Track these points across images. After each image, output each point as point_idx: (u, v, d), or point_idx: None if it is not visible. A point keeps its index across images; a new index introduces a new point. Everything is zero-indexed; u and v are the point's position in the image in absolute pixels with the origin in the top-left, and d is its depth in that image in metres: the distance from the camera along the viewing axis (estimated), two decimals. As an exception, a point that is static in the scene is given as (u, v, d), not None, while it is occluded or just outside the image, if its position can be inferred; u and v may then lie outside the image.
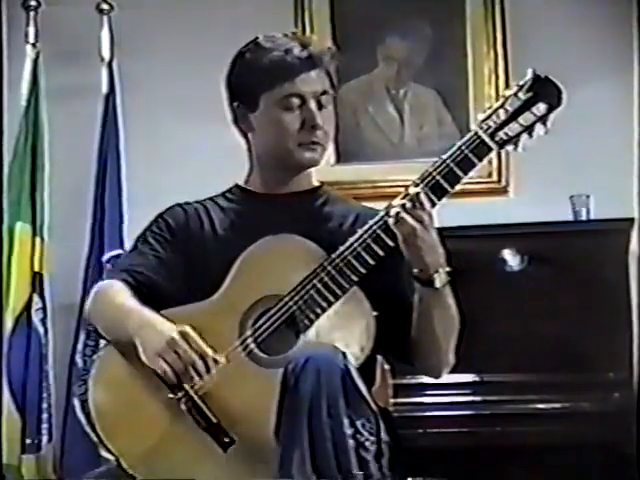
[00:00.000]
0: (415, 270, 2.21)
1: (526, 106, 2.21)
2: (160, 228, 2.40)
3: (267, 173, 2.41)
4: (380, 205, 2.28)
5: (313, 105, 2.31)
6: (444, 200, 2.21)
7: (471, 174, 2.23)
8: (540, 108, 2.21)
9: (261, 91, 2.33)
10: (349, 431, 2.00)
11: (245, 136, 2.42)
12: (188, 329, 2.14)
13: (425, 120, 4.04)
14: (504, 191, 3.96)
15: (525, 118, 2.21)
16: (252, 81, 2.34)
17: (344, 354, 2.06)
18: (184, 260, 2.35)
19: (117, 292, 2.29)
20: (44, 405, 3.87)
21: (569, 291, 3.48)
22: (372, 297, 2.23)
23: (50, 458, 3.87)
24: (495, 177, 3.94)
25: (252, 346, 2.20)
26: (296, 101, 2.31)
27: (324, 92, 2.34)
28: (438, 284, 2.20)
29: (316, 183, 2.44)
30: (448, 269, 2.22)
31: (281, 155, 2.35)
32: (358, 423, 2.02)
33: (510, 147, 2.23)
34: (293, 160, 2.35)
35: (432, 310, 2.23)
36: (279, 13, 4.01)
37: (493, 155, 3.99)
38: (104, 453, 2.23)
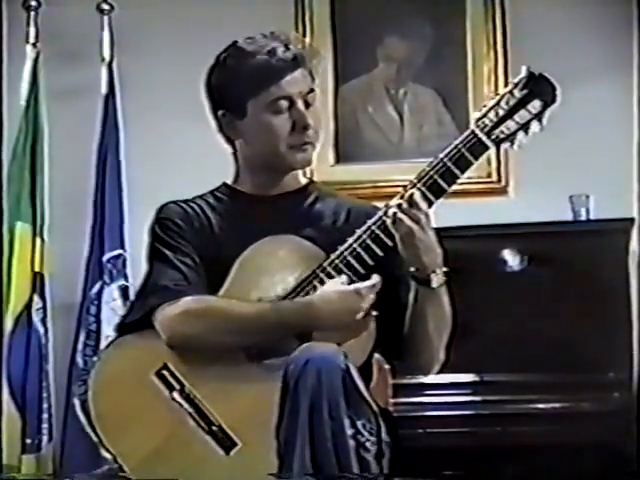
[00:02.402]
0: (412, 269, 2.21)
1: (521, 104, 2.22)
2: (176, 230, 2.35)
3: (257, 176, 2.39)
4: (380, 205, 2.28)
5: (301, 105, 2.29)
6: (444, 200, 2.21)
7: (470, 174, 2.23)
8: (535, 105, 2.21)
9: (248, 97, 2.30)
10: (350, 432, 2.00)
11: (231, 142, 2.39)
12: (358, 286, 2.15)
13: (425, 120, 4.04)
14: (504, 191, 3.96)
15: (521, 116, 2.21)
16: (237, 88, 2.30)
17: (345, 354, 2.05)
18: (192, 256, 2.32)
19: (222, 303, 2.23)
20: (44, 405, 3.87)
21: (569, 291, 3.48)
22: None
23: (50, 458, 3.87)
24: (495, 177, 3.94)
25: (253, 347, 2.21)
26: (284, 103, 2.28)
27: (310, 90, 2.32)
28: (435, 284, 2.21)
29: (304, 181, 2.43)
30: (445, 269, 2.22)
31: (273, 159, 2.33)
32: (359, 424, 2.02)
33: (506, 145, 2.23)
34: (285, 163, 2.34)
35: (427, 308, 2.24)
36: (279, 13, 4.01)
37: (493, 155, 4.04)
38: (105, 453, 2.23)
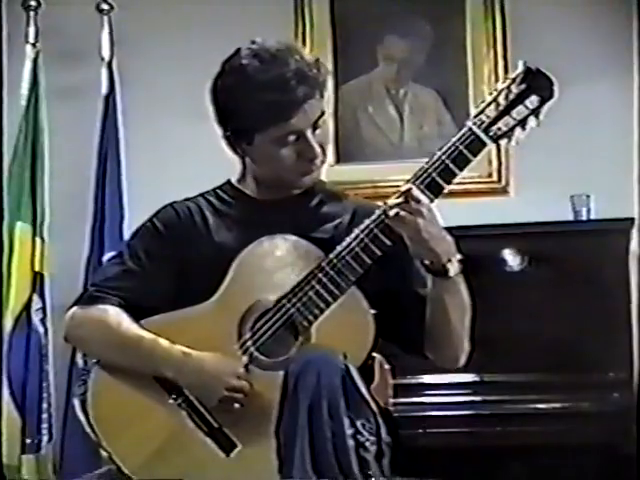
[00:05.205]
0: (426, 262, 2.20)
1: (519, 99, 2.20)
2: (150, 235, 2.37)
3: (263, 186, 2.38)
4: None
5: (310, 135, 2.26)
6: (445, 200, 2.21)
7: (471, 173, 2.23)
8: (533, 101, 2.20)
9: (255, 130, 2.26)
10: (349, 431, 2.00)
11: (236, 152, 2.37)
12: (243, 370, 2.17)
13: (425, 120, 4.04)
14: (504, 191, 3.96)
15: (518, 111, 2.20)
16: (245, 119, 2.26)
17: (344, 355, 2.05)
18: (176, 265, 2.32)
19: (119, 320, 2.26)
20: (44, 405, 3.87)
21: (569, 291, 3.48)
22: (379, 295, 2.23)
23: (50, 458, 3.88)
24: (495, 177, 3.93)
25: (251, 349, 2.20)
26: (292, 137, 2.25)
27: (320, 115, 2.28)
28: (452, 273, 2.19)
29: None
30: (459, 256, 2.21)
31: (280, 182, 2.33)
32: (358, 423, 2.02)
33: (504, 141, 2.22)
34: (292, 185, 2.34)
35: (446, 299, 2.23)
36: (279, 13, 4.01)
37: (493, 155, 4.02)
38: (104, 453, 2.22)
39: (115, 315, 2.27)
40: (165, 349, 2.20)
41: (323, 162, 2.33)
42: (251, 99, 2.23)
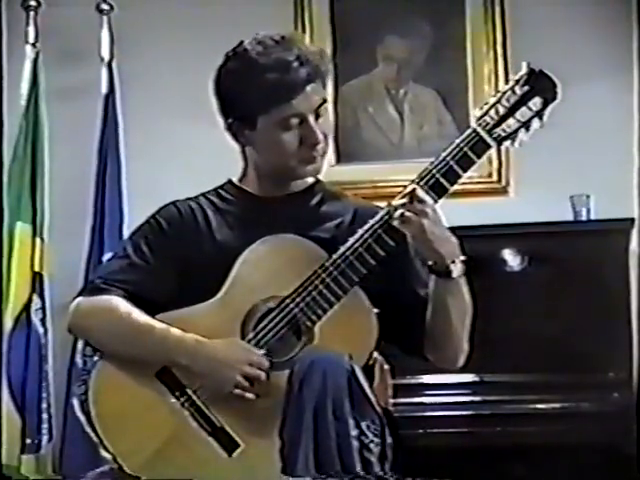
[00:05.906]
0: (430, 262, 2.20)
1: (522, 101, 2.21)
2: (153, 232, 2.36)
3: (265, 180, 2.38)
4: (382, 206, 2.28)
5: (312, 121, 2.27)
6: (445, 200, 2.21)
7: (471, 173, 2.23)
8: (536, 102, 2.21)
9: (258, 113, 2.27)
10: (354, 432, 2.00)
11: (238, 141, 2.38)
12: (257, 358, 2.16)
13: (425, 120, 4.04)
14: (504, 191, 3.96)
15: (522, 113, 2.21)
16: (248, 103, 2.27)
17: (350, 355, 2.06)
18: (179, 263, 2.32)
19: (128, 309, 2.24)
20: (44, 405, 3.86)
21: (569, 291, 3.48)
22: (381, 295, 2.23)
23: (50, 458, 3.87)
24: (495, 177, 3.94)
25: (255, 349, 2.20)
26: (295, 121, 2.26)
27: (322, 102, 2.29)
28: (455, 274, 2.20)
29: (311, 180, 2.42)
30: (463, 258, 2.21)
31: (282, 170, 2.33)
32: (363, 424, 2.02)
33: (507, 143, 2.22)
34: (294, 174, 2.34)
35: (448, 300, 2.23)
36: (279, 13, 4.01)
37: (493, 155, 4.03)
38: (104, 453, 2.22)
39: (123, 305, 2.26)
40: (178, 337, 2.19)
41: (325, 152, 2.32)
42: (253, 81, 2.24)
